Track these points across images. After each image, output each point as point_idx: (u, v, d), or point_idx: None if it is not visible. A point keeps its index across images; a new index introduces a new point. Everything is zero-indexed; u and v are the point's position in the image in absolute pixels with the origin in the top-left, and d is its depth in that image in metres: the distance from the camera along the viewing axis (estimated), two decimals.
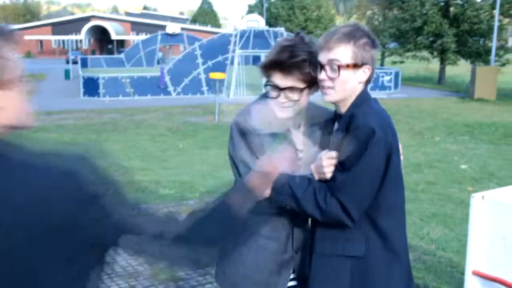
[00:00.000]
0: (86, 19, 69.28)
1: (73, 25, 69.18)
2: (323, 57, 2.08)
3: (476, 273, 2.24)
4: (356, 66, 2.06)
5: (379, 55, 43.85)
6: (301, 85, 2.15)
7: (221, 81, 21.17)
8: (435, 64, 32.97)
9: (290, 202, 2.06)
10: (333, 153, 2.05)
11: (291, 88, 2.14)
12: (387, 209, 2.11)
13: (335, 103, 2.15)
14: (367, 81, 2.13)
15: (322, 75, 2.08)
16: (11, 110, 1.33)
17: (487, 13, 28.61)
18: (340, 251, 2.11)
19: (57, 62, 53.56)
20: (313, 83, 2.15)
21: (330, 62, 2.05)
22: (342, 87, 2.06)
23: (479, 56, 29.23)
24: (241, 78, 23.89)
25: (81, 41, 68.20)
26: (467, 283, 2.26)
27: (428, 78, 34.68)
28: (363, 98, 2.11)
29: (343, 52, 2.05)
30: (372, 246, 2.09)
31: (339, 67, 2.03)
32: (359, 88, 2.11)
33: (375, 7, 46.06)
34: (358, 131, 2.00)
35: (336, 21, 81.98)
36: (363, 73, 2.09)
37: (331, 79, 2.05)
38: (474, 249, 2.23)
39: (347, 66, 2.04)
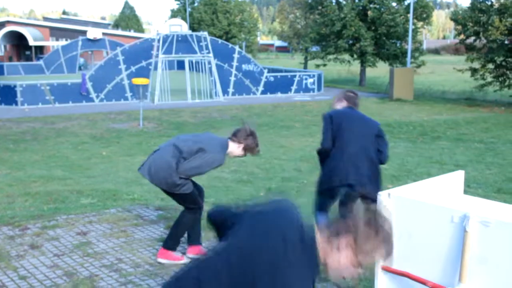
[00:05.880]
0: (1, 25, 66.23)
1: None
2: None
3: (385, 269, 2.33)
4: None
5: (302, 59, 44.69)
6: None
7: (145, 87, 20.86)
8: (356, 66, 33.94)
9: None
10: None
11: None
12: None
13: None
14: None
15: None
16: None
17: (402, 16, 29.78)
18: None
19: None
20: None
21: None
22: None
23: (396, 58, 30.37)
24: (165, 84, 23.66)
25: None
26: (377, 279, 2.35)
27: (349, 80, 35.66)
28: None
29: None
30: None
31: None
32: None
33: (297, 11, 46.94)
34: None
35: (259, 24, 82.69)
36: None
37: None
38: None
39: None
